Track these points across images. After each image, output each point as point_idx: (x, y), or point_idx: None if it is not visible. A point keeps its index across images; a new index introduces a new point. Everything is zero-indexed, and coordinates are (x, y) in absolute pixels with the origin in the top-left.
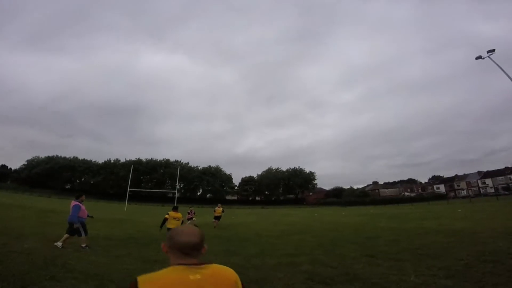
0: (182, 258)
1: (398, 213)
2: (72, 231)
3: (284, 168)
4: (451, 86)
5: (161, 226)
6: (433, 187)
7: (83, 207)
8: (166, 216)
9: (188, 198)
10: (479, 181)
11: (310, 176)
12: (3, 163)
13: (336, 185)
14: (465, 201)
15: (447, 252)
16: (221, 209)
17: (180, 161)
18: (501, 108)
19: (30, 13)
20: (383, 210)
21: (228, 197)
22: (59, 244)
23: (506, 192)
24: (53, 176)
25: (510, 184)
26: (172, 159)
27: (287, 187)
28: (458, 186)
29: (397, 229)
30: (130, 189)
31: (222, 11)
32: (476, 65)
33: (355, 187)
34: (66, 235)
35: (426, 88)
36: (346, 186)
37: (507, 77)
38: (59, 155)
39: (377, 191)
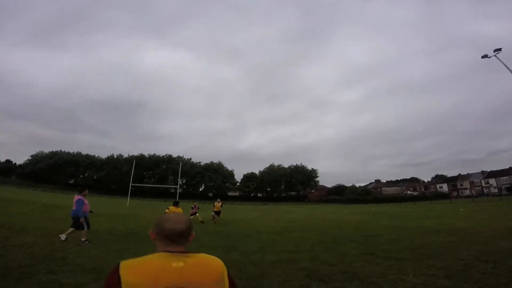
0: (168, 245)
1: (400, 211)
2: (78, 225)
3: (286, 165)
4: (452, 86)
5: None
6: (436, 186)
7: (86, 201)
8: (166, 211)
9: (190, 194)
10: (482, 181)
11: (312, 173)
12: (8, 158)
13: (338, 183)
14: (468, 201)
15: (447, 251)
16: (220, 203)
17: (183, 157)
18: (504, 108)
19: (32, 10)
20: (385, 208)
21: (230, 193)
22: (63, 236)
23: (507, 193)
24: (57, 171)
25: None
26: (174, 155)
27: (289, 184)
28: (461, 185)
29: (399, 227)
30: (133, 185)
31: (223, 10)
32: (477, 65)
33: (357, 185)
34: (71, 229)
35: (427, 88)
36: (348, 184)
37: (509, 76)
38: (63, 150)
39: (379, 189)
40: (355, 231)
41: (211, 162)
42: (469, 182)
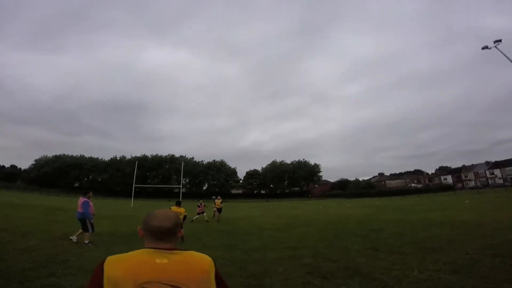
0: (154, 242)
1: (403, 204)
2: (86, 227)
3: (288, 161)
4: (456, 78)
5: None
6: (440, 178)
7: (91, 203)
8: None
9: (194, 193)
10: (487, 172)
11: (315, 168)
12: (13, 163)
13: (341, 177)
14: (473, 192)
15: (452, 245)
16: (220, 200)
17: (185, 156)
18: (507, 99)
19: (30, 12)
20: (389, 202)
21: (233, 191)
22: (74, 238)
23: (506, 184)
24: (61, 175)
25: None
26: (177, 155)
27: (291, 179)
28: (466, 177)
29: (402, 221)
30: (136, 186)
31: (225, 6)
32: (480, 57)
33: (360, 179)
34: (80, 231)
35: (431, 80)
36: (352, 178)
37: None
38: (66, 154)
39: (383, 182)
40: (358, 225)
41: (214, 160)
42: (474, 173)
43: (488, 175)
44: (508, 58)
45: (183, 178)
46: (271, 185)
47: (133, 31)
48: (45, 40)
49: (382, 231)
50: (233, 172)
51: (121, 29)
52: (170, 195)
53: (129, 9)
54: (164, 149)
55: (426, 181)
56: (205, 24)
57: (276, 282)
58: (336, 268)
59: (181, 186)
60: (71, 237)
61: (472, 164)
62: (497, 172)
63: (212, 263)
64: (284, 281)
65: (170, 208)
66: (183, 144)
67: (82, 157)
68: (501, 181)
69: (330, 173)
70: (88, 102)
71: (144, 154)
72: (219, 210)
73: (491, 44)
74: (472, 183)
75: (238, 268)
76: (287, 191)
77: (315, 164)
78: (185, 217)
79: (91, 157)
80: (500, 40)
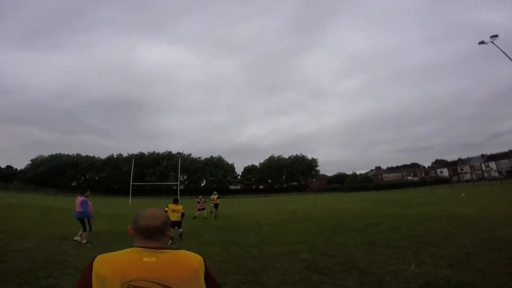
0: (143, 241)
1: (400, 198)
2: (84, 226)
3: (286, 156)
4: (453, 73)
5: None
6: (437, 171)
7: (89, 202)
8: (166, 209)
9: (192, 190)
10: (483, 165)
11: (313, 163)
12: (8, 164)
13: (339, 171)
14: (469, 185)
15: (449, 239)
16: (217, 196)
17: (182, 153)
18: (503, 93)
19: (24, 11)
20: (386, 195)
21: (232, 187)
22: (78, 238)
23: (504, 176)
24: (58, 174)
25: None
26: (174, 151)
27: (289, 174)
28: (462, 170)
29: (399, 215)
30: (134, 183)
31: (221, 2)
32: (477, 52)
33: (358, 173)
34: (82, 230)
35: (427, 75)
36: (349, 172)
37: (508, 63)
38: (62, 153)
39: (380, 176)
40: (355, 219)
41: (211, 156)
42: (470, 166)
43: (483, 168)
44: (505, 53)
45: (180, 175)
46: (269, 180)
47: (129, 29)
48: (41, 39)
49: (379, 225)
50: (231, 168)
51: (117, 27)
52: (168, 192)
53: (125, 7)
54: (161, 146)
55: (423, 174)
56: (201, 20)
57: (274, 278)
58: (334, 263)
59: (178, 183)
60: (75, 238)
61: (468, 157)
62: (492, 165)
63: (202, 262)
64: (282, 277)
65: (167, 206)
66: (180, 141)
67: (78, 156)
68: (496, 174)
69: (327, 167)
70: (84, 100)
71: (141, 152)
72: (216, 205)
73: (487, 39)
74: (467, 176)
75: (236, 265)
76: (285, 186)
77: (312, 158)
78: (183, 214)
79: (87, 155)
80: (496, 35)
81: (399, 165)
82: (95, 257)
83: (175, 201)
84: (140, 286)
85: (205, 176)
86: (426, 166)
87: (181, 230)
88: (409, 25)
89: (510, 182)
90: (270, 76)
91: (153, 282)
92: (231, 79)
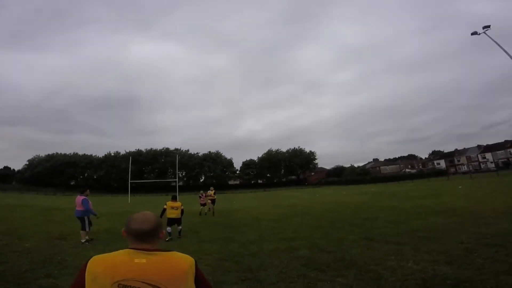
0: (135, 243)
1: (398, 191)
2: (84, 225)
3: (284, 149)
4: (447, 63)
5: (161, 216)
6: (434, 163)
7: (89, 201)
8: (165, 206)
9: (191, 186)
10: (479, 156)
11: (311, 156)
12: (6, 165)
13: (337, 164)
14: (466, 177)
15: (447, 234)
16: (213, 191)
17: (180, 149)
18: (498, 83)
19: (8, 11)
20: (384, 188)
21: (231, 182)
22: (86, 237)
23: (494, 168)
24: (56, 173)
25: (511, 159)
26: (171, 148)
27: (288, 168)
28: (459, 161)
29: (397, 208)
30: (132, 181)
31: None
32: (470, 42)
33: (355, 165)
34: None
35: (423, 65)
36: (347, 165)
37: (502, 53)
38: (59, 152)
39: (377, 168)
40: (354, 213)
41: (209, 152)
42: (466, 157)
43: (480, 159)
44: (498, 44)
45: (179, 171)
46: (268, 175)
47: (119, 26)
48: (28, 39)
49: (377, 220)
50: (229, 163)
51: (106, 25)
52: (167, 189)
53: (113, 4)
54: (158, 143)
55: (420, 166)
56: (191, 14)
57: (272, 275)
58: (332, 259)
59: (177, 179)
60: (82, 241)
61: (464, 148)
62: (488, 156)
63: (193, 264)
64: (280, 274)
65: (166, 204)
66: (177, 137)
67: (75, 155)
68: (492, 165)
69: (325, 160)
70: (77, 99)
71: (138, 149)
72: (213, 201)
73: (479, 30)
74: (464, 167)
75: (235, 262)
76: (284, 179)
77: (310, 151)
78: (182, 211)
79: (85, 154)
80: (489, 26)
81: (397, 157)
82: (91, 257)
83: (174, 198)
84: (130, 285)
85: (204, 172)
86: (423, 158)
87: (180, 227)
88: (402, 16)
89: (506, 173)
90: (265, 69)
91: (142, 282)
92: (225, 73)
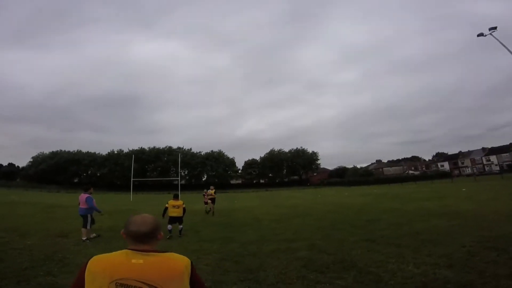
0: (133, 244)
1: (401, 192)
2: (86, 223)
3: (286, 149)
4: (451, 64)
5: (163, 215)
6: (437, 165)
7: (93, 199)
8: (166, 205)
9: (193, 185)
10: (483, 158)
11: (313, 156)
12: (10, 162)
13: (339, 165)
14: (470, 180)
15: (449, 237)
16: (214, 190)
17: (183, 148)
18: (502, 84)
19: (11, 10)
20: (387, 189)
21: (233, 181)
22: (92, 235)
23: (498, 171)
24: (60, 171)
25: None
26: (174, 146)
27: (290, 168)
28: (463, 163)
29: (400, 210)
30: (135, 179)
31: None
32: (475, 43)
33: (358, 166)
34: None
35: (426, 66)
36: (350, 165)
37: (506, 54)
38: (63, 150)
39: (380, 169)
40: (356, 215)
41: (212, 151)
42: (470, 159)
43: (484, 162)
44: (505, 46)
45: (181, 169)
46: (270, 174)
47: (121, 25)
48: (29, 39)
49: (379, 221)
50: (232, 162)
51: (107, 24)
52: (170, 187)
53: (113, 3)
54: (161, 141)
55: (423, 168)
56: (194, 13)
57: (271, 276)
58: (332, 261)
59: (179, 178)
60: (92, 236)
61: (469, 150)
62: (493, 158)
63: (189, 264)
64: (279, 275)
65: (167, 202)
66: (180, 136)
67: (79, 152)
68: (497, 168)
69: (328, 161)
70: (81, 98)
71: (141, 147)
72: (213, 200)
73: (485, 31)
74: (468, 170)
75: (234, 262)
76: (286, 180)
77: (313, 152)
78: (184, 209)
79: (88, 152)
80: (495, 28)
81: (400, 158)
82: (91, 256)
83: (175, 197)
84: (127, 284)
85: (206, 170)
86: (427, 159)
87: (181, 226)
88: (405, 16)
89: (511, 176)
90: (267, 69)
91: (139, 281)
92: (228, 73)
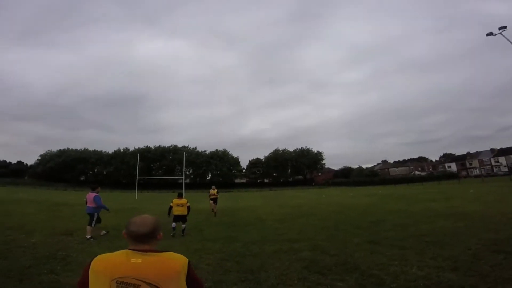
0: (133, 244)
1: (407, 193)
2: (91, 221)
3: (291, 149)
4: (460, 64)
5: (168, 214)
6: (445, 166)
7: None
8: (171, 204)
9: (198, 184)
10: (492, 159)
11: (318, 156)
12: (19, 159)
13: (344, 165)
14: (477, 181)
15: (455, 239)
16: (216, 190)
17: (187, 146)
18: (511, 85)
19: (18, 9)
20: (392, 190)
21: (237, 181)
22: (102, 232)
23: (507, 172)
24: (67, 169)
25: None
26: (179, 145)
27: (295, 168)
28: (470, 164)
29: (405, 211)
30: (140, 178)
31: None
32: (485, 42)
33: (364, 167)
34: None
35: (434, 66)
36: (355, 166)
37: None
38: (70, 148)
39: (386, 170)
40: (360, 216)
41: (216, 150)
42: (478, 160)
43: (493, 163)
44: None
45: (186, 168)
46: (274, 174)
47: (125, 24)
48: (35, 38)
49: (384, 223)
50: (236, 161)
51: (113, 23)
52: (174, 186)
53: (118, 2)
54: (166, 140)
55: (430, 169)
56: (198, 12)
57: (272, 277)
58: (334, 263)
59: (183, 177)
60: (101, 233)
61: (477, 151)
62: (502, 159)
63: (186, 263)
64: (280, 276)
65: (172, 201)
66: (184, 135)
67: (86, 150)
68: (506, 169)
69: (333, 161)
70: (86, 97)
71: (147, 146)
72: (215, 200)
73: (494, 30)
74: (476, 171)
75: (236, 262)
76: (290, 179)
77: (318, 151)
78: (189, 208)
79: (95, 150)
80: (505, 27)
81: (406, 159)
82: (95, 255)
83: (180, 196)
84: (126, 282)
85: (211, 169)
86: (434, 160)
87: (184, 225)
88: (412, 15)
89: None
90: (271, 68)
91: (137, 279)
92: (232, 72)
